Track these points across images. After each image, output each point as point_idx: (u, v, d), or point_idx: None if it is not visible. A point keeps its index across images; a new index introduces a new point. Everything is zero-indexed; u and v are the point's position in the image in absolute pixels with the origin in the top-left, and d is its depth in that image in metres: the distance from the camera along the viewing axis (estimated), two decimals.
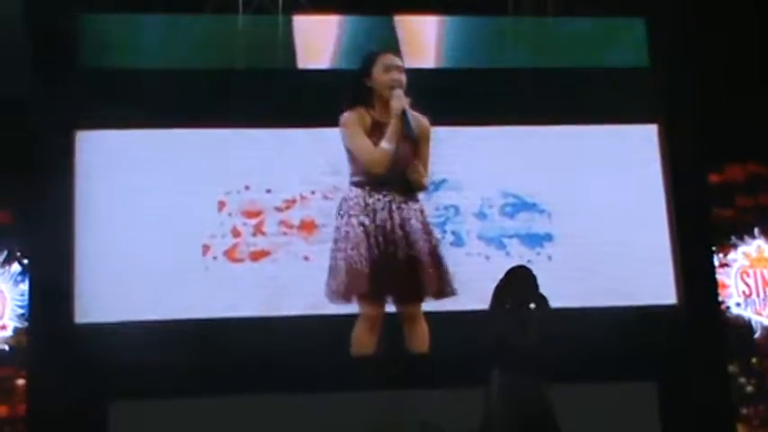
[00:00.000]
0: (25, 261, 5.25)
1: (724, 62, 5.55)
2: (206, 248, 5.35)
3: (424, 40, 5.73)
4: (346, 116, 4.77)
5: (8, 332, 5.19)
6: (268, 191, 5.46)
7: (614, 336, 5.06)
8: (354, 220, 4.73)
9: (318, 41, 5.67)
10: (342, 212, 4.80)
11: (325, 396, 4.80)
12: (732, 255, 5.73)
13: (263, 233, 5.42)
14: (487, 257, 5.45)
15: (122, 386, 4.80)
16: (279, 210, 5.45)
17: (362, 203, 4.74)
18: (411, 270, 4.74)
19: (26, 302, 5.18)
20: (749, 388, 5.56)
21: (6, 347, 5.18)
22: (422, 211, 4.85)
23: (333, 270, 4.78)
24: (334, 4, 5.64)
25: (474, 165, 5.54)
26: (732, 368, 5.53)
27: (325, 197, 5.39)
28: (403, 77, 4.77)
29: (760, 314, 5.65)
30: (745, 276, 5.72)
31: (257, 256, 5.39)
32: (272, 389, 4.85)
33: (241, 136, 5.50)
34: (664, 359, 5.13)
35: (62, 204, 5.18)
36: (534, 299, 4.13)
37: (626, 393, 4.92)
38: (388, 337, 4.81)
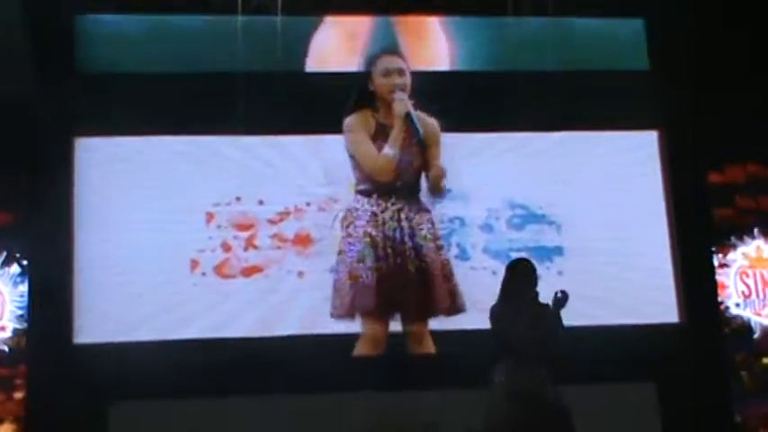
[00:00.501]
0: (24, 262, 5.08)
1: (724, 62, 5.44)
2: (194, 264, 5.06)
3: (423, 41, 5.44)
4: (349, 120, 4.65)
5: (7, 333, 5.03)
6: (260, 202, 5.17)
7: (617, 348, 4.95)
8: (360, 231, 4.56)
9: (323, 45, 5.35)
10: (346, 223, 4.63)
11: (325, 396, 4.61)
12: (731, 255, 5.65)
13: (256, 247, 5.12)
14: (494, 272, 5.09)
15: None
16: (272, 222, 5.15)
17: (369, 213, 4.57)
18: (422, 284, 4.56)
19: (25, 303, 5.04)
20: (749, 388, 5.46)
21: (6, 348, 5.02)
22: (433, 222, 4.67)
23: (336, 285, 4.60)
24: (335, 5, 5.38)
25: (479, 173, 5.26)
26: (732, 368, 5.45)
27: (321, 209, 5.09)
28: (405, 80, 4.69)
29: (759, 314, 5.58)
30: (744, 277, 5.64)
31: (249, 271, 5.10)
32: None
33: (232, 143, 5.20)
34: (664, 360, 5.07)
35: (61, 206, 5.00)
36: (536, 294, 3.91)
37: (626, 393, 4.85)
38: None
